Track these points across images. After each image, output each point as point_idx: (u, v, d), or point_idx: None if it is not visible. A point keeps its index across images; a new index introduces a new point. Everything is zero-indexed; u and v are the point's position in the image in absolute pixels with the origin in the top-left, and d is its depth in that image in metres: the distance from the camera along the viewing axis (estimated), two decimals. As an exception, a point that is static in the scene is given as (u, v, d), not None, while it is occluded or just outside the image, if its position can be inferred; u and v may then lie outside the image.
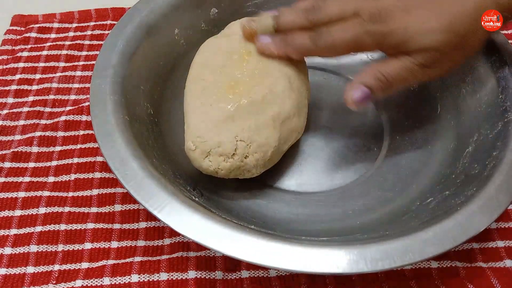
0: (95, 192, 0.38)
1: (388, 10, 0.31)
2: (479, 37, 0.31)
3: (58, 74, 0.47)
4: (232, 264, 0.34)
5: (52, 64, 0.48)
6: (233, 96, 0.33)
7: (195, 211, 0.29)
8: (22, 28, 0.51)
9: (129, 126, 0.33)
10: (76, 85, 0.46)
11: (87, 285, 0.33)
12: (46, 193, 0.38)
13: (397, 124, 0.42)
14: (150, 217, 0.37)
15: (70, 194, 0.38)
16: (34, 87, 0.45)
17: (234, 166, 0.33)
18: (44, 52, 0.48)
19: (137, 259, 0.34)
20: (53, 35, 0.50)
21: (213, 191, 0.36)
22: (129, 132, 0.32)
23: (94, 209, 0.37)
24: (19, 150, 0.40)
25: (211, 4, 0.44)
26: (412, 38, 0.30)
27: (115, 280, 0.33)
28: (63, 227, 0.36)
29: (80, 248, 0.35)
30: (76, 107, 0.43)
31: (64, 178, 0.39)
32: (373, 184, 0.38)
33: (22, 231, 0.36)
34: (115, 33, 0.38)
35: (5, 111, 0.43)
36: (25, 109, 0.43)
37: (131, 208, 0.37)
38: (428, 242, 0.27)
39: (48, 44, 0.49)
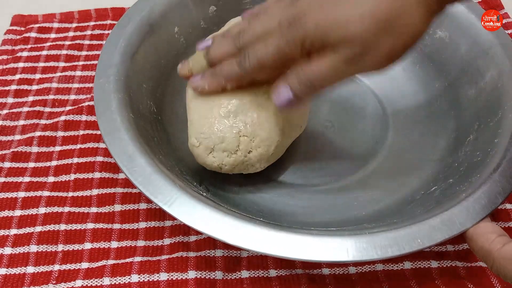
0: (95, 192, 0.38)
1: (303, 11, 0.28)
2: (411, 21, 0.27)
3: (58, 74, 0.46)
4: (232, 264, 0.34)
5: (52, 64, 0.48)
6: (234, 92, 0.33)
7: (205, 205, 0.29)
8: (22, 28, 0.51)
9: (134, 124, 0.33)
10: (76, 85, 0.46)
11: (87, 285, 0.33)
12: (46, 193, 0.38)
13: (398, 116, 0.43)
14: (150, 217, 0.37)
15: (70, 194, 0.38)
16: (34, 87, 0.45)
17: (237, 161, 0.33)
18: (44, 52, 0.48)
19: (137, 259, 0.34)
20: (53, 35, 0.50)
21: (219, 186, 0.36)
22: (134, 130, 0.33)
23: (94, 209, 0.37)
24: (19, 150, 0.40)
25: (209, 2, 0.44)
26: (326, 32, 0.27)
27: (115, 280, 0.33)
28: (63, 227, 0.36)
29: (80, 248, 0.35)
30: (76, 107, 0.43)
31: (64, 178, 0.39)
32: (376, 175, 0.39)
33: (22, 231, 0.36)
34: (116, 32, 0.38)
35: (5, 111, 0.43)
36: (25, 109, 0.43)
37: (131, 208, 0.37)
38: (435, 228, 0.28)
39: (48, 44, 0.49)
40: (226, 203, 0.32)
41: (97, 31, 0.51)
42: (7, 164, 0.39)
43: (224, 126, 0.33)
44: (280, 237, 0.28)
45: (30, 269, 0.34)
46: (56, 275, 0.33)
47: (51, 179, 0.39)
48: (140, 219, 0.37)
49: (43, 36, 0.50)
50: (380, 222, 0.32)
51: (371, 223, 0.32)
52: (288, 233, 0.28)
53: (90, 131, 0.42)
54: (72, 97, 0.45)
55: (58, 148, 0.41)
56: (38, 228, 0.36)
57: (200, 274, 0.33)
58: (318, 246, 0.27)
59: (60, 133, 0.41)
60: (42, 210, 0.37)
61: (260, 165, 0.35)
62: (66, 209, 0.37)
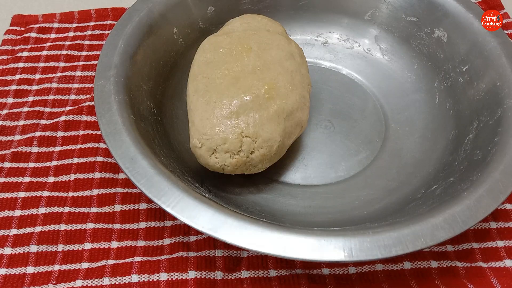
0: (95, 192, 0.38)
1: None
2: None
3: (58, 74, 0.47)
4: (232, 264, 0.34)
5: (52, 64, 0.48)
6: (236, 93, 0.34)
7: (209, 207, 0.29)
8: (22, 28, 0.51)
9: (135, 126, 0.33)
10: (76, 85, 0.46)
11: (87, 285, 0.33)
12: (46, 193, 0.38)
13: (397, 115, 0.43)
14: (150, 217, 0.37)
15: (70, 194, 0.38)
16: (34, 87, 0.45)
17: (240, 162, 0.33)
18: (44, 52, 0.48)
19: (137, 259, 0.34)
20: (53, 35, 0.50)
21: (220, 187, 0.36)
22: (136, 131, 0.33)
23: (94, 209, 0.37)
24: (19, 150, 0.40)
25: (208, 2, 0.44)
26: None
27: (115, 280, 0.33)
28: (63, 227, 0.36)
29: (80, 248, 0.35)
30: (76, 107, 0.43)
31: (64, 178, 0.39)
32: (377, 174, 0.39)
33: (22, 231, 0.36)
34: (115, 33, 0.38)
35: (5, 111, 0.43)
36: (25, 109, 0.43)
37: (131, 208, 0.37)
38: (438, 227, 0.28)
39: (48, 44, 0.49)
40: (228, 204, 0.32)
41: (97, 31, 0.51)
42: (7, 164, 0.39)
43: (226, 127, 0.33)
44: (284, 238, 0.28)
45: (30, 269, 0.34)
46: (56, 275, 0.34)
47: (51, 179, 0.39)
48: (140, 219, 0.37)
49: (43, 36, 0.50)
50: (382, 221, 0.32)
51: (373, 223, 0.32)
52: (292, 233, 0.28)
53: (90, 131, 0.42)
54: (72, 97, 0.45)
55: (58, 148, 0.41)
56: (38, 228, 0.36)
57: (200, 274, 0.33)
58: (322, 246, 0.27)
59: (60, 133, 0.41)
60: (42, 210, 0.37)
61: (262, 165, 0.35)
62: (66, 209, 0.37)
